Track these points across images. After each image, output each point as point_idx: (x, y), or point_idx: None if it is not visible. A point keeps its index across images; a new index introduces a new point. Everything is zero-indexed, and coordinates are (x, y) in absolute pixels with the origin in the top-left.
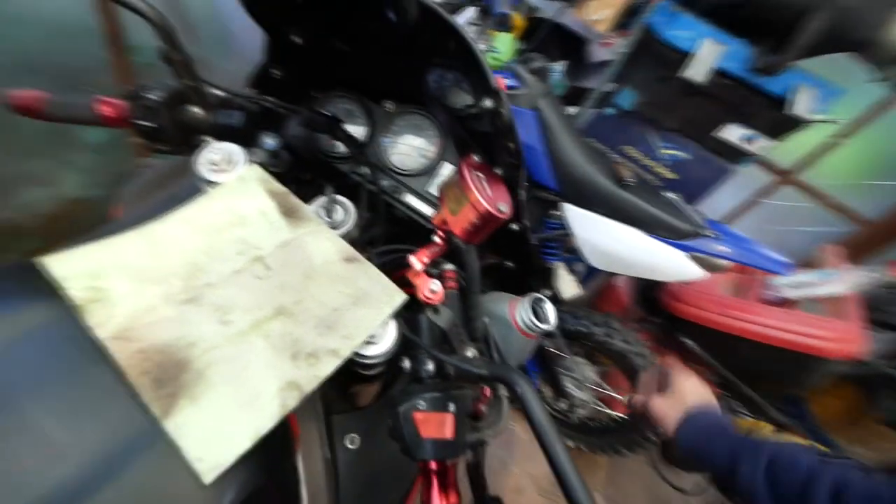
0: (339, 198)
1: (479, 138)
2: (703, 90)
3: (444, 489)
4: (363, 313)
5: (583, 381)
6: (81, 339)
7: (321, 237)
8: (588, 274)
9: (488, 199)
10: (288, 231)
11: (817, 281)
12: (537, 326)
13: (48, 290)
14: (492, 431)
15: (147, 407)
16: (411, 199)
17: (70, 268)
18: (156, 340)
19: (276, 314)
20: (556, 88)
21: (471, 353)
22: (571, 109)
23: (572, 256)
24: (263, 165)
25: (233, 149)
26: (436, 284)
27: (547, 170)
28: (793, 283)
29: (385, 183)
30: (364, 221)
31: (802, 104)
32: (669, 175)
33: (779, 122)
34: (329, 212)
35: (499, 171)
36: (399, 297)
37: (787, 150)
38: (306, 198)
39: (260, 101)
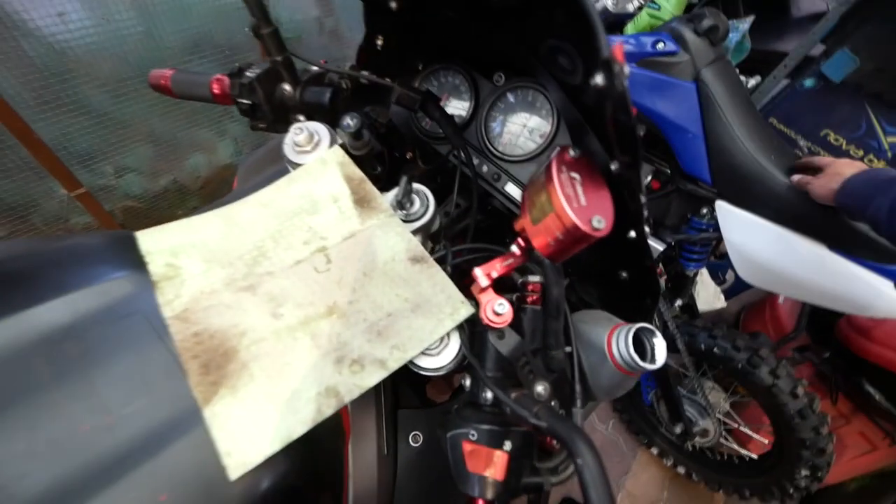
0: (418, 186)
1: (596, 124)
2: None
3: None
4: (420, 323)
5: (708, 409)
6: (153, 316)
7: (391, 231)
8: (737, 285)
9: (579, 210)
10: (357, 222)
11: None
12: (638, 365)
13: (139, 263)
14: (556, 478)
15: (191, 391)
16: (512, 190)
17: (156, 243)
18: (211, 325)
19: (328, 313)
20: (736, 53)
21: (541, 387)
22: (753, 81)
23: (720, 263)
24: (345, 147)
25: (317, 128)
26: (502, 306)
27: (701, 157)
28: None
29: (485, 168)
30: (457, 212)
31: None
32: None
33: None
34: (404, 203)
35: (613, 168)
36: (464, 311)
37: None
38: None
39: (352, 76)
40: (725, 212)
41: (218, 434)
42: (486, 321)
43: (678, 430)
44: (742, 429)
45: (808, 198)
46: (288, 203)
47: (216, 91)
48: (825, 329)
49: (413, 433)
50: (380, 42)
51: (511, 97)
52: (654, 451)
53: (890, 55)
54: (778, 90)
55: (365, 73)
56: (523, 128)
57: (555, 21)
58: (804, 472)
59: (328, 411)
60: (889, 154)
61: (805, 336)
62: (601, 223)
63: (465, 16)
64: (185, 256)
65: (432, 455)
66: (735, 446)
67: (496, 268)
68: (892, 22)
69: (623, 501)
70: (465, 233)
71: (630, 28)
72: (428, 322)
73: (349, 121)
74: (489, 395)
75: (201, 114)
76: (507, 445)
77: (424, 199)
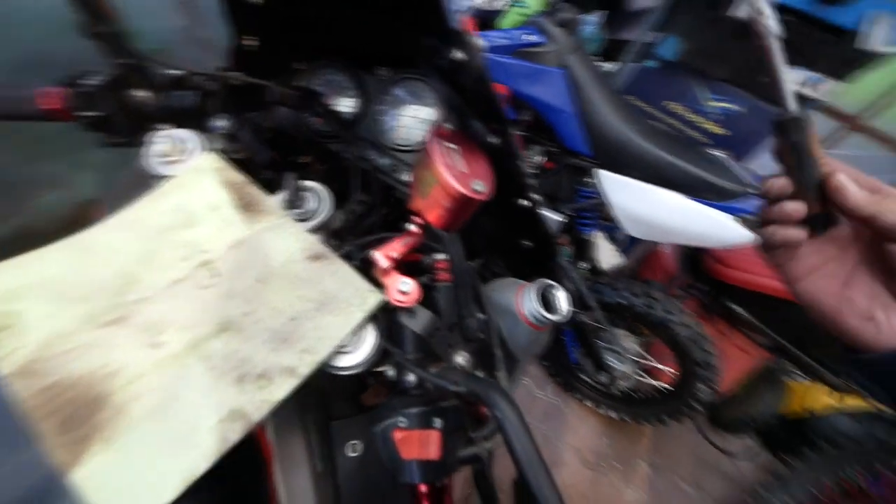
0: (310, 184)
1: (470, 101)
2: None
3: None
4: (328, 321)
5: (624, 354)
6: None
7: (283, 233)
8: (631, 242)
9: (460, 176)
10: (244, 227)
11: None
12: (546, 318)
13: None
14: (491, 445)
15: (50, 456)
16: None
17: None
18: (68, 373)
19: (220, 330)
20: (591, 43)
21: (461, 358)
22: (609, 66)
23: (612, 225)
24: (223, 152)
25: (183, 135)
26: (406, 284)
27: (578, 134)
28: None
29: (383, 161)
30: (362, 208)
31: (879, 36)
32: (718, 130)
33: (847, 59)
34: (295, 202)
35: (490, 140)
36: (373, 299)
37: (855, 93)
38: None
39: (222, 79)
40: (604, 178)
41: (96, 498)
42: (393, 301)
43: (603, 378)
44: (653, 365)
45: (667, 158)
46: (157, 220)
47: (48, 105)
48: (698, 267)
49: (351, 443)
50: (251, 43)
51: (398, 91)
52: (589, 403)
53: (704, 38)
54: (629, 72)
55: (234, 73)
56: (414, 119)
57: (407, 8)
58: (703, 387)
59: (234, 437)
60: (712, 115)
61: (686, 276)
62: (482, 186)
63: (329, 8)
64: (24, 300)
65: (376, 460)
66: (651, 381)
67: (396, 248)
68: (703, 11)
69: (571, 456)
70: (373, 227)
71: (500, 24)
72: (336, 318)
73: (219, 122)
74: (412, 377)
75: (47, 143)
76: (438, 423)
77: (318, 197)
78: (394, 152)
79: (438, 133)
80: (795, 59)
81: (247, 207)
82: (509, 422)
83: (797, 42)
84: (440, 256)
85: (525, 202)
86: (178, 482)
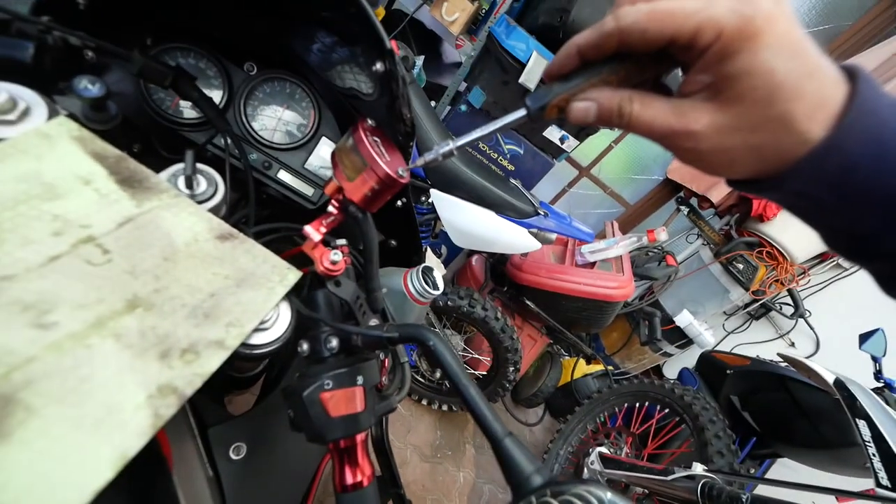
0: (203, 167)
1: (367, 107)
2: None
3: (357, 464)
4: (250, 296)
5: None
6: None
7: (182, 212)
8: (448, 256)
9: (388, 163)
10: (132, 205)
11: (605, 247)
12: (429, 292)
13: None
14: (399, 397)
15: None
16: (286, 177)
17: None
18: None
19: (129, 307)
20: (419, 81)
21: (375, 320)
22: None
23: (436, 241)
24: (78, 119)
25: (20, 92)
26: (337, 255)
27: (415, 158)
28: (592, 250)
29: (253, 157)
30: (232, 201)
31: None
32: (509, 167)
33: (581, 126)
34: (192, 181)
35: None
36: (293, 275)
37: (585, 152)
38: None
39: (65, 34)
40: (437, 197)
41: (7, 499)
42: (324, 271)
43: (438, 374)
44: (474, 356)
45: (484, 183)
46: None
47: None
48: (499, 274)
49: (234, 446)
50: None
51: (267, 88)
52: (424, 401)
53: (499, 93)
54: (446, 112)
55: (81, 33)
56: (278, 121)
57: (330, 21)
58: (511, 370)
59: (169, 412)
60: (508, 156)
61: (491, 281)
62: (405, 172)
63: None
64: None
65: (259, 460)
66: (473, 371)
67: (323, 224)
68: (497, 74)
69: (412, 454)
70: (245, 223)
71: None
72: (258, 293)
73: (89, 85)
74: (334, 343)
75: None
76: (360, 380)
77: (212, 181)
78: (266, 148)
79: (364, 126)
80: (556, 121)
81: (129, 183)
82: (441, 347)
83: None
84: (341, 242)
85: (401, 202)
86: (109, 464)
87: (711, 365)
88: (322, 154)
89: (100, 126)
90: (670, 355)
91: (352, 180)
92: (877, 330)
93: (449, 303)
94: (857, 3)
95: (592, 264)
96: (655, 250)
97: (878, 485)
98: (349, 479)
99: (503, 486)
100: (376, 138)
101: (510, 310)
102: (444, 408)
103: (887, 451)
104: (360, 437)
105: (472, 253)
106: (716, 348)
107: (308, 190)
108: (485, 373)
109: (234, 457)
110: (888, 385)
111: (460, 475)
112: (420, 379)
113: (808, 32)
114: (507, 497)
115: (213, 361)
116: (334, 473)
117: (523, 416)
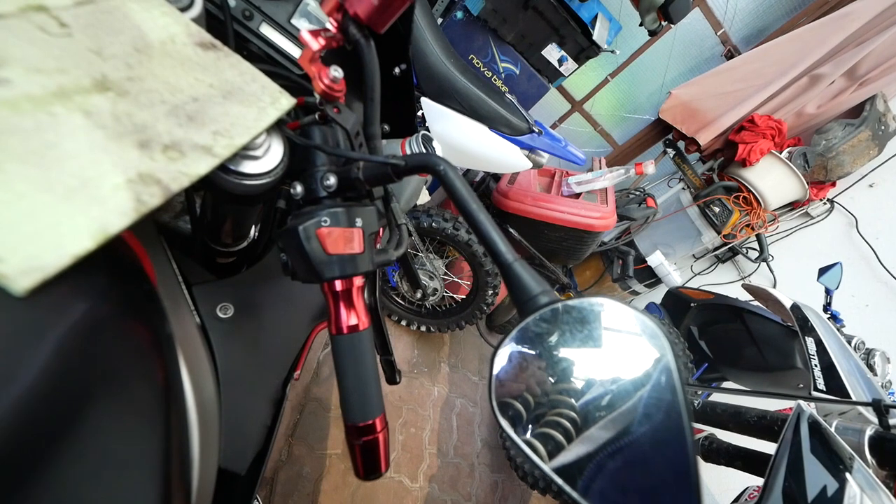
0: None
1: None
2: (535, 5)
3: (353, 307)
4: (239, 111)
5: (434, 273)
6: None
7: (153, 10)
8: (434, 183)
9: None
10: None
11: (593, 178)
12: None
13: None
14: (397, 252)
15: None
16: (269, 32)
17: None
18: None
19: (97, 87)
20: None
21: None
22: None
23: None
24: None
25: None
26: (338, 71)
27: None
28: (579, 181)
29: (233, 3)
30: None
31: (599, 33)
32: (503, 88)
33: (583, 47)
34: None
35: None
36: (286, 101)
37: (579, 84)
38: None
39: None
40: (427, 105)
41: None
42: (324, 90)
43: (419, 295)
44: (455, 280)
45: (478, 93)
46: None
47: None
48: (487, 201)
49: (221, 305)
50: None
51: None
52: (403, 322)
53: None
54: (440, 23)
55: None
56: None
57: None
58: (490, 293)
59: (153, 201)
60: (503, 75)
61: None
62: None
63: None
64: None
65: (248, 323)
66: (453, 295)
67: (321, 35)
68: None
69: None
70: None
71: None
72: (249, 110)
73: None
74: (332, 180)
75: None
76: (359, 222)
77: None
78: None
79: None
80: (552, 36)
81: None
82: (451, 174)
83: (557, 24)
84: (338, 74)
85: (403, 66)
86: (88, 234)
87: (677, 298)
88: (311, 11)
89: None
90: (638, 294)
91: None
92: (836, 263)
93: (434, 224)
94: None
95: (578, 195)
96: (637, 192)
97: (816, 389)
98: (345, 321)
99: (474, 400)
100: None
101: None
102: (423, 328)
103: (827, 362)
104: (357, 282)
105: None
106: (683, 285)
107: (295, 50)
108: (464, 296)
109: (221, 315)
110: (833, 317)
111: (435, 389)
112: (399, 301)
113: None
114: (477, 410)
115: (200, 165)
116: (330, 318)
117: (496, 342)
